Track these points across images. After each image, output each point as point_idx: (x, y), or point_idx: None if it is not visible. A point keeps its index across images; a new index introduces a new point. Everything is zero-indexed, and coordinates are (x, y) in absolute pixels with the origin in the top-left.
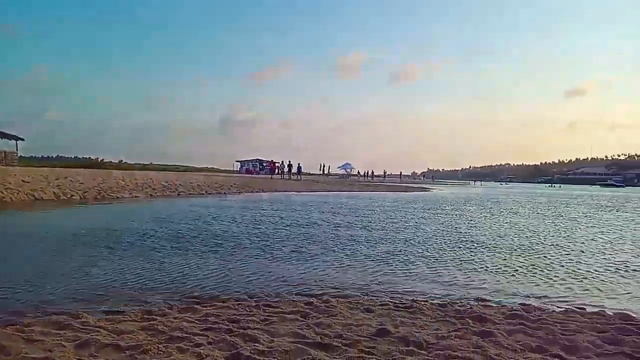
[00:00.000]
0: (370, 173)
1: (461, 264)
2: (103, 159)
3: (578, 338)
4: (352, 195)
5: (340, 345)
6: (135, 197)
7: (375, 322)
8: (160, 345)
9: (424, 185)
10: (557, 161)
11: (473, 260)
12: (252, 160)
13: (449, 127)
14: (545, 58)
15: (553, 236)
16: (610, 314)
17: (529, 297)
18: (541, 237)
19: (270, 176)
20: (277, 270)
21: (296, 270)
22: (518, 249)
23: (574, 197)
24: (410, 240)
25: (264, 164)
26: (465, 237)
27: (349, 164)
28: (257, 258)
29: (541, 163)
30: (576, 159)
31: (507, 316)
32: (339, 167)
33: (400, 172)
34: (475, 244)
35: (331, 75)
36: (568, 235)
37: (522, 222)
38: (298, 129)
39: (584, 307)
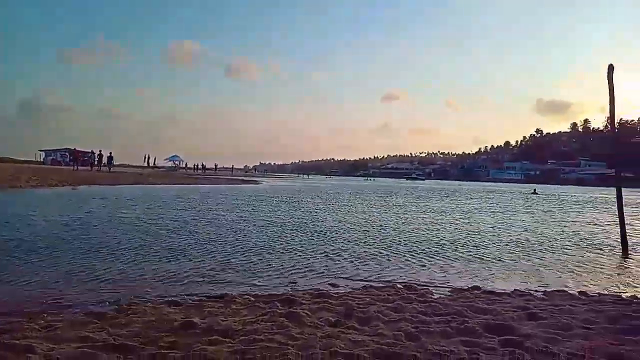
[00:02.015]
0: (201, 166)
1: (289, 252)
2: None
3: (371, 309)
4: (180, 188)
5: (136, 344)
6: None
7: (181, 315)
8: None
9: (256, 178)
10: (372, 157)
11: (300, 248)
12: (60, 150)
13: (280, 124)
14: (367, 64)
15: (372, 223)
16: (400, 286)
17: (338, 277)
18: (363, 224)
19: (74, 167)
20: (75, 271)
21: (100, 270)
22: (339, 234)
23: (391, 187)
24: (239, 231)
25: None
26: (291, 226)
27: (178, 156)
28: (53, 259)
29: (360, 159)
30: (388, 155)
31: (314, 296)
32: (166, 159)
33: (232, 166)
34: (303, 232)
35: (162, 64)
36: (385, 222)
37: (353, 211)
38: (121, 118)
39: (380, 281)
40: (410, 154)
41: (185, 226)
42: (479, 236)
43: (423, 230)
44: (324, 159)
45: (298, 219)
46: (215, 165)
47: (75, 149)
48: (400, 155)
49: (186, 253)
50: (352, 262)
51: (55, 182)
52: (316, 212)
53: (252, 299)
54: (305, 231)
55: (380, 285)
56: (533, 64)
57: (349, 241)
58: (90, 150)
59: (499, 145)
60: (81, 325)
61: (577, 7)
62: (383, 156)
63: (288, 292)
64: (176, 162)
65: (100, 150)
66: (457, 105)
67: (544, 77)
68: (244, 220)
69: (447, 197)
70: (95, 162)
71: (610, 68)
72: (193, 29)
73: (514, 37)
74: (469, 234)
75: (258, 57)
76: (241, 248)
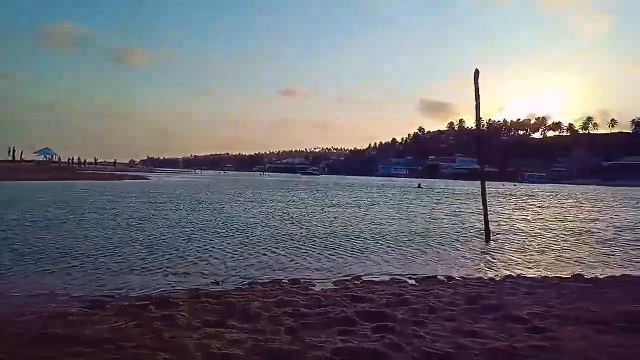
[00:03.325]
0: (78, 160)
1: (173, 250)
2: None
3: (253, 306)
4: (57, 184)
5: None
6: None
7: (39, 326)
8: None
9: (143, 174)
10: (269, 152)
11: (186, 246)
12: None
13: (173, 115)
14: (268, 57)
15: (267, 218)
16: (286, 281)
17: (223, 276)
18: (258, 219)
19: None
20: None
21: None
22: (229, 231)
23: (288, 182)
24: (117, 230)
25: None
26: (179, 224)
27: (50, 150)
28: None
29: (256, 153)
30: (284, 150)
31: (193, 297)
32: (36, 153)
33: (115, 160)
34: (190, 230)
35: (37, 47)
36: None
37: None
38: None
39: (267, 278)
40: (306, 149)
41: (60, 228)
42: (368, 228)
43: (317, 224)
44: (219, 153)
45: (187, 216)
46: (95, 160)
47: None
48: (296, 150)
49: (57, 259)
50: (241, 259)
51: None
52: (210, 209)
53: (125, 304)
54: (193, 229)
55: (266, 281)
56: (419, 66)
57: (240, 238)
58: None
59: (387, 142)
60: None
61: (457, 16)
62: (279, 151)
63: (164, 295)
64: (48, 156)
65: None
66: (351, 102)
67: (428, 79)
68: (123, 218)
69: (343, 190)
70: None
71: (476, 73)
72: (78, 10)
73: (404, 39)
74: (359, 226)
75: (150, 42)
76: (121, 249)
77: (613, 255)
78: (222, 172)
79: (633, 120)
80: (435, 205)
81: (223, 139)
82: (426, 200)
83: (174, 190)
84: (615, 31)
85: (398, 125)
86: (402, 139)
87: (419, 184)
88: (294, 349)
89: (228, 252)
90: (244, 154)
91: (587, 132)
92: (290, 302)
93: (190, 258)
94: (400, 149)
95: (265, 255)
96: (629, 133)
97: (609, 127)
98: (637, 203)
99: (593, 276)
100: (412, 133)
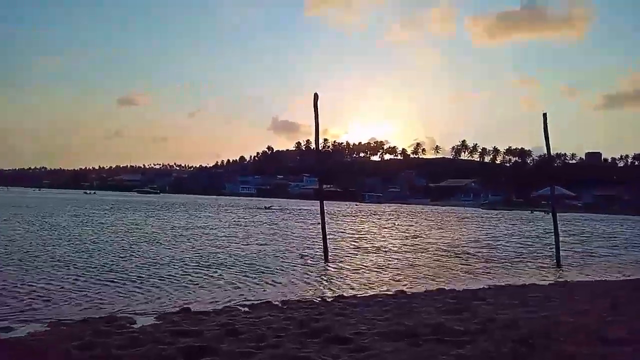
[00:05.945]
0: None
1: None
2: None
3: (52, 352)
4: None
5: None
6: None
7: None
8: None
9: None
10: (98, 167)
11: None
12: None
13: None
14: (99, 60)
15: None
16: (97, 319)
17: (22, 317)
18: (74, 247)
19: None
20: None
21: None
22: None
23: (116, 202)
24: None
25: None
26: None
27: None
28: None
29: (81, 169)
30: (117, 166)
31: None
32: None
33: None
34: None
35: None
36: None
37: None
38: None
39: (78, 316)
40: (144, 165)
41: None
42: (207, 253)
43: (146, 250)
44: (32, 167)
45: None
46: None
47: None
48: (132, 166)
49: None
50: (40, 294)
51: None
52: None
53: None
54: None
55: (74, 321)
56: (271, 84)
57: (46, 269)
58: None
59: (235, 159)
60: None
61: (307, 39)
62: (110, 166)
63: None
64: None
65: None
66: (198, 117)
67: (280, 98)
68: None
69: (184, 212)
70: None
71: (315, 96)
72: None
73: (256, 56)
74: (199, 252)
75: None
76: None
77: (435, 270)
78: (35, 189)
79: (453, 147)
80: (281, 226)
81: (38, 150)
82: (274, 222)
83: None
84: (442, 66)
85: (247, 143)
86: (251, 156)
87: (269, 206)
88: None
89: (19, 286)
90: (66, 168)
91: (417, 156)
92: (100, 343)
93: None
94: (248, 167)
95: (72, 288)
96: (450, 158)
97: (434, 152)
98: (462, 220)
99: (413, 292)
100: (261, 151)
